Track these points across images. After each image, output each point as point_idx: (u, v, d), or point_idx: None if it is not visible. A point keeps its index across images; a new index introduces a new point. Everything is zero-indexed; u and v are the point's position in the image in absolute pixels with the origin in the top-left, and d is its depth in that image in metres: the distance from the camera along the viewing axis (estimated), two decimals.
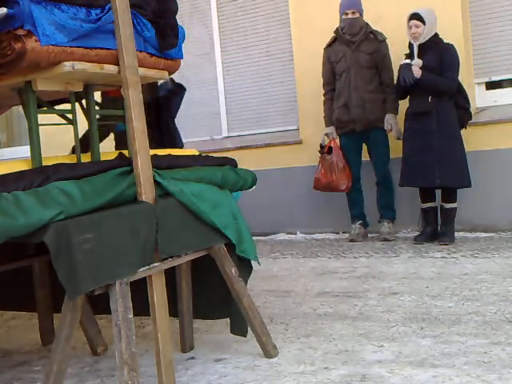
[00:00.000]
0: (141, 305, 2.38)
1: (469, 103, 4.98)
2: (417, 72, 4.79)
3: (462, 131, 4.95)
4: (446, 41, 4.92)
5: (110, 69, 2.24)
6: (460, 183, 4.87)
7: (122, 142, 3.45)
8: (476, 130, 5.24)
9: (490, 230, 5.18)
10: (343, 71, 5.33)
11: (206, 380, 2.48)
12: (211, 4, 6.62)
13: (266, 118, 6.42)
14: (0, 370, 2.85)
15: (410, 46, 4.96)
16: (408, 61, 4.88)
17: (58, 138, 4.67)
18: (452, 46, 4.88)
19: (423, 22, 4.83)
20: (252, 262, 2.75)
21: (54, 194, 1.94)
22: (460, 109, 4.93)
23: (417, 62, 4.82)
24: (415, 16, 4.85)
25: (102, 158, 2.37)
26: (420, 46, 4.88)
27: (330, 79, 5.46)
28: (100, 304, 2.61)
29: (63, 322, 2.02)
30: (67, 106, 2.41)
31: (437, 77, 4.80)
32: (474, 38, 5.45)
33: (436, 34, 4.91)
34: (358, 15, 5.28)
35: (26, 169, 2.07)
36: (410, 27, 4.88)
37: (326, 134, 5.46)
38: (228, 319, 2.82)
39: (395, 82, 5.14)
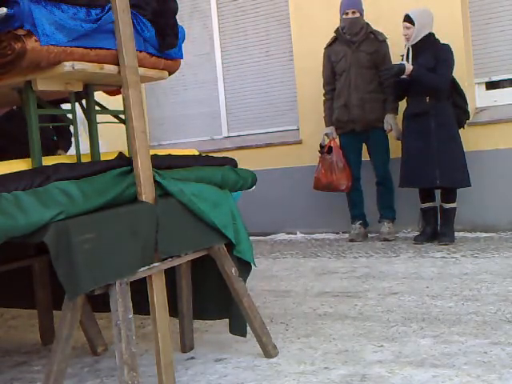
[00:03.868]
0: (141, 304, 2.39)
1: (466, 103, 4.99)
2: (408, 69, 4.81)
3: (462, 131, 4.96)
4: (442, 41, 4.93)
5: (110, 69, 2.24)
6: (460, 183, 4.87)
7: None
8: (476, 129, 5.24)
9: (490, 230, 5.18)
10: (343, 71, 5.33)
11: (205, 380, 2.48)
12: (211, 4, 6.62)
13: (266, 117, 6.42)
14: (0, 369, 2.85)
15: (405, 46, 4.99)
16: (403, 62, 4.90)
17: None
18: (448, 45, 4.89)
19: (413, 23, 4.85)
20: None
21: (54, 194, 1.94)
22: (458, 108, 4.93)
23: (407, 64, 4.85)
24: (406, 17, 4.91)
25: (101, 158, 2.37)
26: (415, 47, 4.90)
27: (330, 79, 5.45)
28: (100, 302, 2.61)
29: (63, 322, 2.02)
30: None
31: (428, 72, 4.81)
32: (474, 38, 5.45)
33: (431, 35, 4.92)
34: (358, 15, 5.28)
35: (26, 169, 2.07)
36: (403, 28, 4.92)
37: (326, 134, 5.46)
38: (227, 319, 2.82)
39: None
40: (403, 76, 4.85)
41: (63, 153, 3.83)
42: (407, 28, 4.89)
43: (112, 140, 3.92)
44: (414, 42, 4.90)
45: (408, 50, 4.93)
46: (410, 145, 4.92)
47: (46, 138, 3.11)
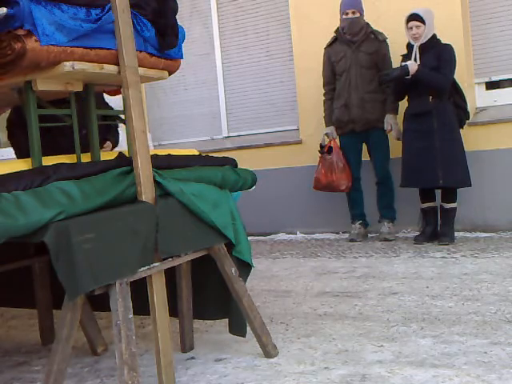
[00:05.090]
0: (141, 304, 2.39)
1: (466, 103, 4.98)
2: (412, 69, 4.79)
3: (462, 131, 4.95)
4: (443, 41, 4.93)
5: (110, 69, 2.24)
6: (462, 183, 4.87)
7: None
8: (476, 129, 5.25)
9: (489, 230, 5.18)
10: (343, 71, 5.33)
11: (205, 380, 2.48)
12: (211, 4, 6.62)
13: (266, 117, 6.42)
14: (0, 369, 2.85)
15: (409, 46, 4.95)
16: (408, 62, 4.86)
17: None
18: (450, 45, 4.89)
19: (423, 22, 4.82)
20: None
21: (54, 194, 1.94)
22: (458, 108, 4.93)
23: (412, 64, 4.82)
24: (415, 16, 4.84)
25: (101, 158, 2.37)
26: (419, 47, 4.88)
27: (330, 79, 5.46)
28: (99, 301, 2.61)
29: (63, 322, 2.02)
30: None
31: (431, 72, 4.80)
32: (474, 38, 5.45)
33: (435, 34, 4.91)
34: (358, 15, 5.27)
35: (26, 169, 2.07)
36: (409, 28, 4.87)
37: (326, 134, 5.46)
38: (227, 319, 2.82)
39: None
40: (407, 77, 4.83)
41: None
42: (417, 27, 4.82)
43: None
44: (423, 41, 4.87)
45: (412, 49, 4.89)
46: (412, 145, 4.91)
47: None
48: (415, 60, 4.85)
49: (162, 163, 2.40)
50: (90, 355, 2.91)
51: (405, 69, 4.80)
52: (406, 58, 4.93)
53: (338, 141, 5.43)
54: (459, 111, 4.93)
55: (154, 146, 6.78)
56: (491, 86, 5.50)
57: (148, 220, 2.20)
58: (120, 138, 5.02)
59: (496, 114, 5.33)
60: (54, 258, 1.90)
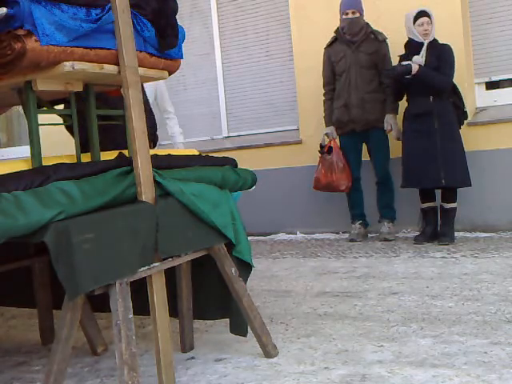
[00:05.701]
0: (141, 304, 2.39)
1: (464, 104, 4.99)
2: (414, 68, 4.79)
3: (461, 131, 4.95)
4: (442, 41, 4.93)
5: (110, 69, 2.24)
6: (462, 183, 4.88)
7: None
8: (476, 129, 5.25)
9: (489, 230, 5.18)
10: (343, 71, 5.33)
11: (205, 380, 2.48)
12: (211, 4, 6.62)
13: (266, 117, 6.42)
14: (0, 369, 2.85)
15: (409, 46, 4.95)
16: (414, 57, 4.85)
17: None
18: (449, 45, 4.89)
19: (431, 19, 4.84)
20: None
21: (54, 194, 1.94)
22: (457, 109, 4.93)
23: (416, 59, 4.81)
24: (423, 13, 4.84)
25: (101, 158, 2.37)
26: (419, 46, 4.87)
27: (330, 79, 5.46)
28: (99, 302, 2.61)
29: (63, 322, 2.02)
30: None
31: (432, 72, 4.79)
32: (474, 38, 5.45)
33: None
34: (358, 15, 5.27)
35: (26, 169, 2.07)
36: (420, 24, 4.85)
37: (326, 134, 5.46)
38: (228, 319, 2.82)
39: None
40: (407, 76, 4.82)
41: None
42: (428, 24, 4.83)
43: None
44: (431, 39, 4.87)
45: (416, 47, 4.87)
46: (413, 145, 4.91)
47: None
48: (422, 57, 4.84)
49: (162, 163, 2.40)
50: (90, 355, 2.91)
51: (408, 67, 4.80)
52: (404, 58, 4.93)
53: (337, 141, 5.43)
54: (458, 112, 4.93)
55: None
56: (491, 86, 5.50)
57: (148, 220, 2.20)
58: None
59: (496, 113, 5.34)
60: (54, 258, 1.90)
